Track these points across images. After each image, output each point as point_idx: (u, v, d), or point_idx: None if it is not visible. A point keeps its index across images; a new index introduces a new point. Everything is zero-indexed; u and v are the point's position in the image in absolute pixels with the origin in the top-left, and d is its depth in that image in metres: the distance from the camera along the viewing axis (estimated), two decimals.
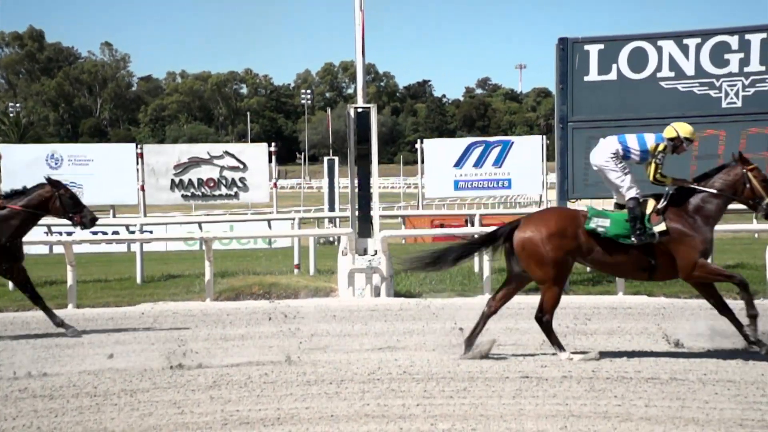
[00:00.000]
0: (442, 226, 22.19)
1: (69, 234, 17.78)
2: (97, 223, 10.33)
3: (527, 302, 11.52)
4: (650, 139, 8.07)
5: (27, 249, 10.82)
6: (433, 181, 18.84)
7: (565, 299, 11.64)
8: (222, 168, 15.86)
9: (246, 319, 10.55)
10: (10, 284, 13.91)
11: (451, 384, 6.71)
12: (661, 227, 7.60)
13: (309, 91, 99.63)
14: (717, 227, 8.79)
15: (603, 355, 7.67)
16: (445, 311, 10.72)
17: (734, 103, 12.10)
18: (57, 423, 5.84)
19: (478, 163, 18.47)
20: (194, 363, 7.61)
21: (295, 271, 15.12)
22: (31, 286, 9.77)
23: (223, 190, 15.92)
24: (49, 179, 9.70)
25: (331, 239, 22.35)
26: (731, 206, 8.20)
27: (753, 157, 11.91)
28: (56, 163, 15.69)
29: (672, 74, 12.31)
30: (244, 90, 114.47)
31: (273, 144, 16.64)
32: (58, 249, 17.35)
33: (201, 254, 15.22)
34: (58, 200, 9.43)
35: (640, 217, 7.64)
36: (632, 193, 7.80)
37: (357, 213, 12.89)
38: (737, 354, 7.66)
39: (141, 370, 7.37)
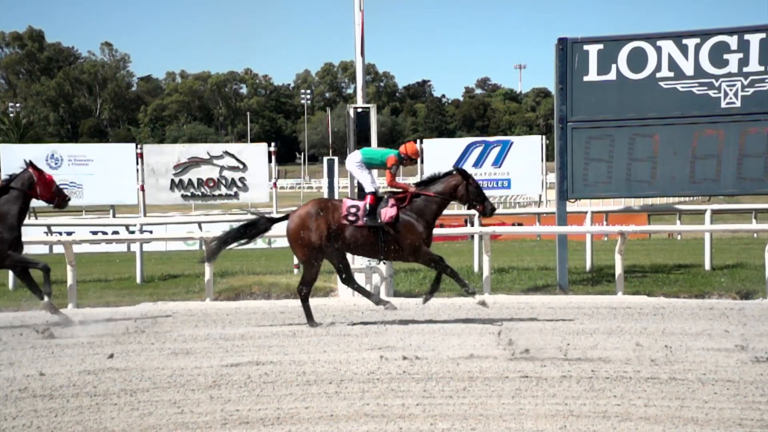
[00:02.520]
0: (441, 225, 22.19)
1: (69, 234, 17.82)
2: (97, 223, 10.40)
3: (527, 302, 11.56)
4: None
5: (27, 249, 10.84)
6: None
7: (564, 299, 11.70)
8: (222, 168, 15.84)
9: (246, 319, 10.56)
10: (10, 284, 13.94)
11: (451, 384, 6.72)
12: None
13: (309, 91, 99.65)
14: (716, 227, 8.90)
15: (603, 355, 7.69)
16: (446, 311, 10.75)
17: (733, 103, 12.10)
18: (57, 423, 5.85)
19: (478, 163, 18.43)
20: (194, 363, 7.62)
21: (295, 271, 15.12)
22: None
23: (223, 190, 15.91)
24: (458, 169, 10.21)
25: None
26: (731, 206, 8.22)
27: (752, 157, 12.03)
28: (56, 163, 15.68)
29: (671, 74, 12.32)
30: (244, 90, 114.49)
31: (273, 144, 16.62)
32: (58, 249, 17.35)
33: (201, 254, 15.22)
34: (465, 189, 9.91)
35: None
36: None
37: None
38: (737, 354, 7.68)
39: (141, 370, 7.37)
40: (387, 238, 9.78)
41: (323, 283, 13.37)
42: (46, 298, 10.15)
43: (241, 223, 10.59)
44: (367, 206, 9.79)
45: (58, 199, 10.60)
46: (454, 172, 10.08)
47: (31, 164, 10.56)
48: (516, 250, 18.21)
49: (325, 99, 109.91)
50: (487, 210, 10.01)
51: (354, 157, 10.31)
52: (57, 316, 10.17)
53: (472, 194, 9.95)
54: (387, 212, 9.75)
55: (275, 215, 11.51)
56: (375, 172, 10.52)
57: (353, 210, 9.81)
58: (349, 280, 10.30)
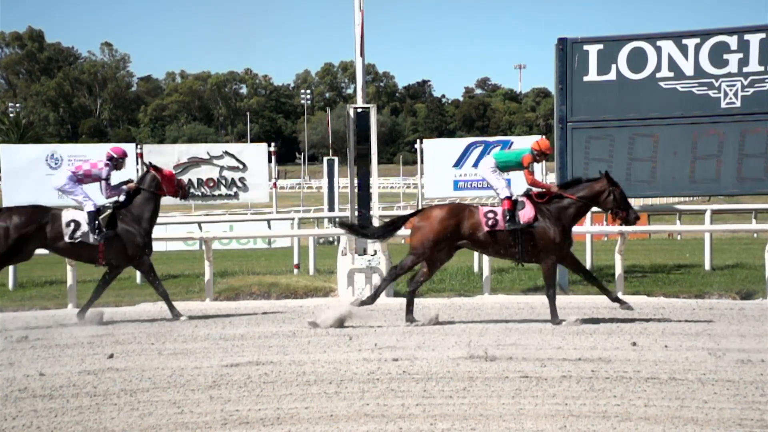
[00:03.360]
0: None
1: None
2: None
3: (527, 302, 11.56)
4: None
5: None
6: (432, 181, 18.78)
7: (564, 299, 11.70)
8: (222, 168, 15.85)
9: (246, 319, 10.56)
10: (10, 284, 13.96)
11: (451, 384, 6.72)
12: None
13: (309, 91, 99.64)
14: (716, 227, 8.97)
15: (603, 355, 7.69)
16: (445, 311, 10.75)
17: (733, 103, 12.11)
18: (57, 423, 5.85)
19: (478, 164, 18.44)
20: (194, 363, 7.63)
21: (295, 271, 15.13)
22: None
23: (223, 190, 15.91)
24: (605, 174, 10.03)
25: (331, 239, 22.37)
26: (731, 206, 8.24)
27: (752, 157, 12.03)
28: (56, 163, 15.67)
29: (671, 74, 12.32)
30: (244, 90, 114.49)
31: (273, 144, 16.63)
32: None
33: (201, 254, 15.23)
34: (610, 195, 9.83)
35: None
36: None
37: (357, 213, 12.90)
38: (736, 354, 7.68)
39: (141, 370, 7.38)
40: (524, 240, 9.77)
41: (323, 283, 13.39)
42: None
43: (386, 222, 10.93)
44: (506, 211, 9.78)
45: (181, 192, 11.22)
46: (601, 177, 9.95)
47: (151, 165, 10.98)
48: None
49: (325, 99, 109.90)
50: (630, 218, 9.90)
51: (487, 163, 10.30)
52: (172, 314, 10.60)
53: (618, 201, 9.82)
54: (525, 214, 9.76)
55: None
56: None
57: (491, 215, 9.83)
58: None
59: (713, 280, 12.82)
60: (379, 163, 13.07)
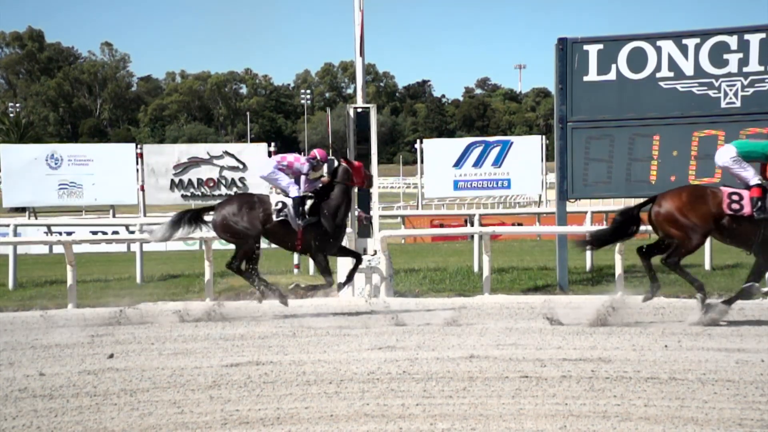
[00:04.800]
0: (441, 226, 22.21)
1: (69, 234, 17.81)
2: (97, 223, 10.45)
3: (527, 302, 11.56)
4: None
5: (27, 249, 10.85)
6: (432, 181, 18.88)
7: (565, 298, 11.70)
8: (222, 168, 15.88)
9: (246, 319, 10.56)
10: (11, 284, 13.95)
11: (451, 384, 6.72)
12: None
13: (308, 91, 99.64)
14: None
15: (603, 354, 7.69)
16: (445, 312, 10.74)
17: (733, 103, 12.10)
18: (57, 423, 5.85)
19: (478, 163, 18.49)
20: (194, 363, 7.63)
21: (295, 270, 15.13)
22: None
23: (223, 190, 15.93)
24: None
25: None
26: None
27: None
28: (56, 163, 15.69)
29: (671, 74, 12.32)
30: (244, 90, 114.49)
31: (273, 144, 16.64)
32: (58, 249, 17.36)
33: (201, 254, 15.22)
34: None
35: None
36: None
37: (356, 213, 12.91)
38: (736, 353, 7.68)
39: (141, 370, 7.38)
40: (766, 230, 9.47)
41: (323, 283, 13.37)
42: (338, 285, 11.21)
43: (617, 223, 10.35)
44: (755, 199, 9.37)
45: (367, 182, 11.54)
46: None
47: (343, 157, 11.38)
48: (516, 250, 18.21)
49: (325, 99, 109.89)
50: None
51: (727, 152, 9.77)
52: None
53: None
54: None
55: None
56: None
57: (735, 198, 9.50)
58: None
59: (713, 280, 12.81)
60: (379, 163, 13.07)
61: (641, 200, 10.38)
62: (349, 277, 11.07)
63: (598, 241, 10.40)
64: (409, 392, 6.49)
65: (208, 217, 10.90)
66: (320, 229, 10.68)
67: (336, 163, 11.13)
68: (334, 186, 10.93)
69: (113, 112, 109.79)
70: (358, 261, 11.19)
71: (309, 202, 10.81)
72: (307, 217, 10.65)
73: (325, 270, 10.78)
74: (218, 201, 11.69)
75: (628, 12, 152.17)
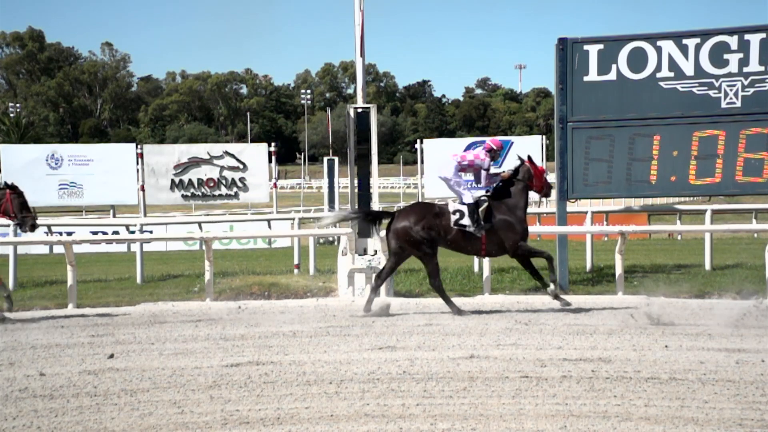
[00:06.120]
0: None
1: (69, 234, 17.82)
2: (97, 223, 10.44)
3: (527, 302, 11.56)
4: None
5: (27, 249, 10.85)
6: (432, 181, 18.78)
7: (564, 299, 11.69)
8: (222, 168, 15.85)
9: (246, 319, 10.56)
10: (11, 284, 13.95)
11: (451, 384, 6.72)
12: None
13: (309, 92, 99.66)
14: (716, 227, 8.96)
15: (603, 355, 7.69)
16: (444, 311, 10.74)
17: (733, 103, 12.10)
18: (57, 423, 5.85)
19: None
20: (194, 363, 7.63)
21: (295, 271, 15.13)
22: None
23: (223, 190, 15.91)
24: None
25: (331, 239, 22.35)
26: (731, 206, 8.24)
27: (752, 157, 12.03)
28: (56, 163, 15.68)
29: (671, 74, 12.31)
30: (244, 90, 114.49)
31: (273, 144, 16.63)
32: (58, 249, 17.36)
33: (201, 254, 15.23)
34: None
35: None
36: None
37: None
38: (737, 353, 7.68)
39: (141, 370, 7.38)
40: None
41: (323, 283, 13.39)
42: (551, 286, 10.73)
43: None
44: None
45: (545, 189, 11.14)
46: None
47: (528, 158, 11.09)
48: None
49: (325, 99, 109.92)
50: None
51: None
52: (560, 303, 10.72)
53: None
54: None
55: None
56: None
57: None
58: None
59: (713, 280, 12.82)
60: (379, 163, 13.06)
61: (641, 200, 10.39)
62: (548, 277, 10.77)
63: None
64: (409, 392, 6.49)
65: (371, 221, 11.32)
66: (507, 231, 10.60)
67: (519, 162, 11.02)
68: (513, 183, 10.82)
69: (113, 112, 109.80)
70: (549, 260, 10.84)
71: (483, 206, 10.77)
72: (482, 223, 10.58)
73: (544, 256, 10.69)
74: (397, 208, 11.83)
75: (628, 12, 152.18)
